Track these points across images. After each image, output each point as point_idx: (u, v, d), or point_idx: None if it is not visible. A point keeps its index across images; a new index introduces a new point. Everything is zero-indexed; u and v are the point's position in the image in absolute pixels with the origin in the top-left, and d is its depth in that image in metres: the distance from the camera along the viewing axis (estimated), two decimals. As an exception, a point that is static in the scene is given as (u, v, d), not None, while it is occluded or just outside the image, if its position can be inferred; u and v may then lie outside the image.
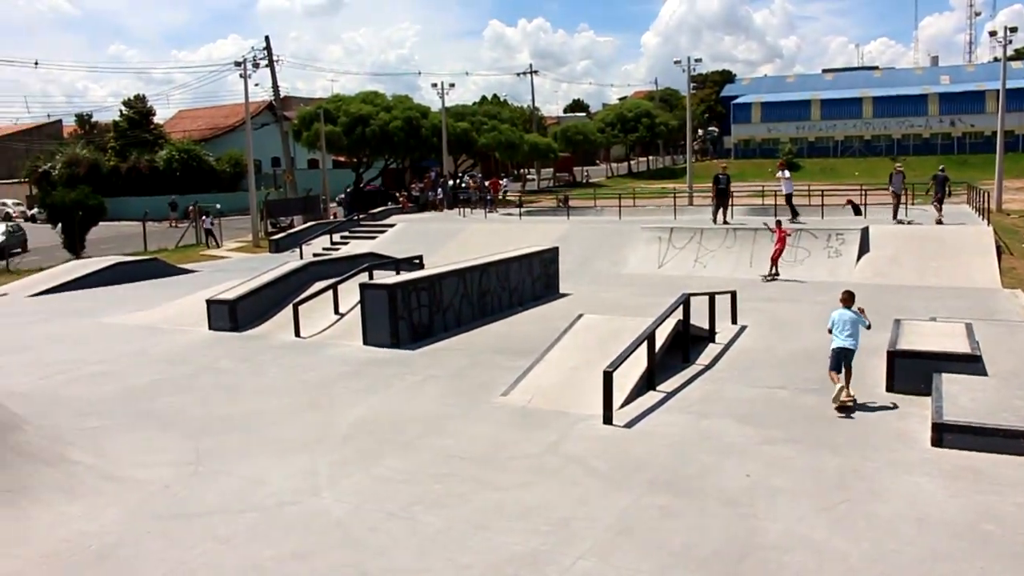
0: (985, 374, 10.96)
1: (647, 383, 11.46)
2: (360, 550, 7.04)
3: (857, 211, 29.90)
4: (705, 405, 10.92)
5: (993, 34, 43.23)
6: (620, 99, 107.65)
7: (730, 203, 28.21)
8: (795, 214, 27.47)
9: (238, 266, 29.59)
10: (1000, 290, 19.88)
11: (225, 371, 13.68)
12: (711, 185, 28.81)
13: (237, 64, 41.38)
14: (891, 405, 10.67)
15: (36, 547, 7.09)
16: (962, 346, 11.56)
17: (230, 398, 11.98)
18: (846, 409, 10.47)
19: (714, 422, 10.23)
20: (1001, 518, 7.38)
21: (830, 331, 10.90)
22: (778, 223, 22.48)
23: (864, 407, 10.59)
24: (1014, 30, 39.29)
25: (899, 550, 6.83)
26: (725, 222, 26.85)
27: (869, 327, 10.95)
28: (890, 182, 27.29)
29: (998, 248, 23.16)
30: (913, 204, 29.92)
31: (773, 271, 22.03)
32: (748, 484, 8.27)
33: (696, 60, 50.31)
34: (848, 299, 10.98)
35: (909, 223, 25.07)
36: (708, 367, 12.84)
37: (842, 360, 10.64)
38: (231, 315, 16.86)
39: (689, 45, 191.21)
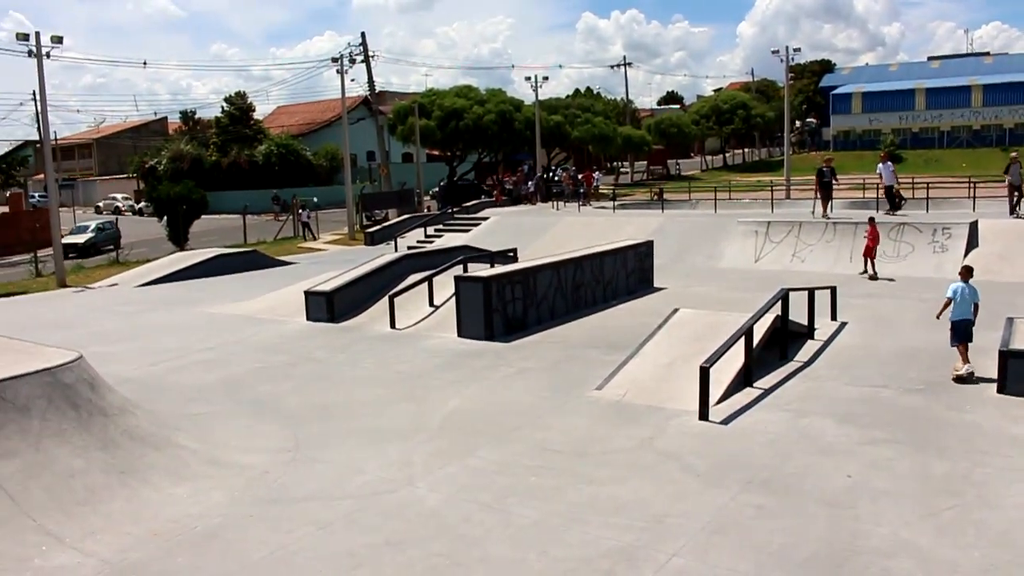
0: (1106, 377, 10.42)
1: (744, 379, 11.25)
2: (454, 540, 7.09)
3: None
4: (803, 403, 10.66)
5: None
6: (715, 91, 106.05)
7: (831, 197, 27.44)
8: (894, 207, 26.57)
9: (334, 258, 30.18)
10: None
11: (322, 361, 13.96)
12: (815, 178, 28.04)
13: (334, 60, 42.16)
14: (1003, 408, 10.24)
15: (146, 525, 7.36)
16: (1079, 346, 11.01)
17: (327, 387, 12.22)
18: (967, 381, 11.14)
19: (813, 421, 9.98)
20: (1125, 530, 7.02)
21: (949, 303, 11.56)
22: (871, 220, 21.73)
23: (973, 409, 10.20)
24: None
25: (1014, 561, 6.53)
26: (825, 216, 26.13)
27: (977, 310, 11.52)
28: (1007, 172, 25.97)
29: (1118, 244, 22.00)
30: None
31: (870, 269, 21.34)
32: (849, 485, 8.04)
33: (795, 50, 49.13)
34: (967, 273, 11.78)
35: None
36: (807, 364, 12.53)
37: (964, 332, 11.33)
38: (328, 306, 17.19)
39: (787, 34, 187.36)
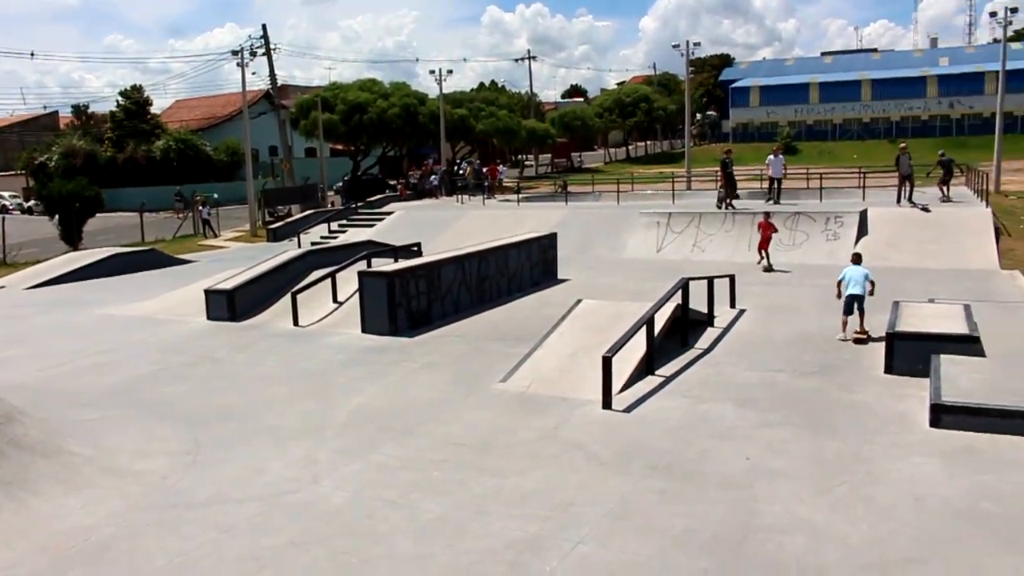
0: (983, 355, 10.95)
1: (646, 368, 11.46)
2: (360, 537, 7.05)
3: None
4: (704, 389, 10.92)
5: (994, 15, 43.08)
6: (618, 84, 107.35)
7: (736, 186, 28.15)
8: (772, 198, 27.49)
9: (236, 256, 29.56)
10: (998, 271, 19.86)
11: (223, 361, 13.68)
12: (719, 170, 28.70)
13: (234, 53, 41.21)
14: (890, 388, 10.68)
15: (35, 539, 7.08)
16: (960, 327, 11.56)
17: (229, 387, 11.98)
18: (862, 342, 12.79)
19: (713, 406, 10.23)
20: (999, 498, 7.40)
21: (839, 283, 13.41)
22: (766, 215, 22.06)
23: (863, 390, 10.61)
24: (1014, 11, 39.09)
25: (897, 531, 6.84)
26: (729, 206, 26.74)
27: (873, 287, 13.18)
28: (897, 164, 27.02)
29: (996, 230, 23.15)
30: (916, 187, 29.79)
31: (765, 260, 21.58)
32: (747, 467, 8.28)
33: (694, 44, 50.25)
34: (857, 259, 13.97)
35: (924, 207, 24.77)
36: (707, 351, 12.84)
37: (854, 304, 12.97)
38: (229, 304, 16.84)
39: (688, 29, 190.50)
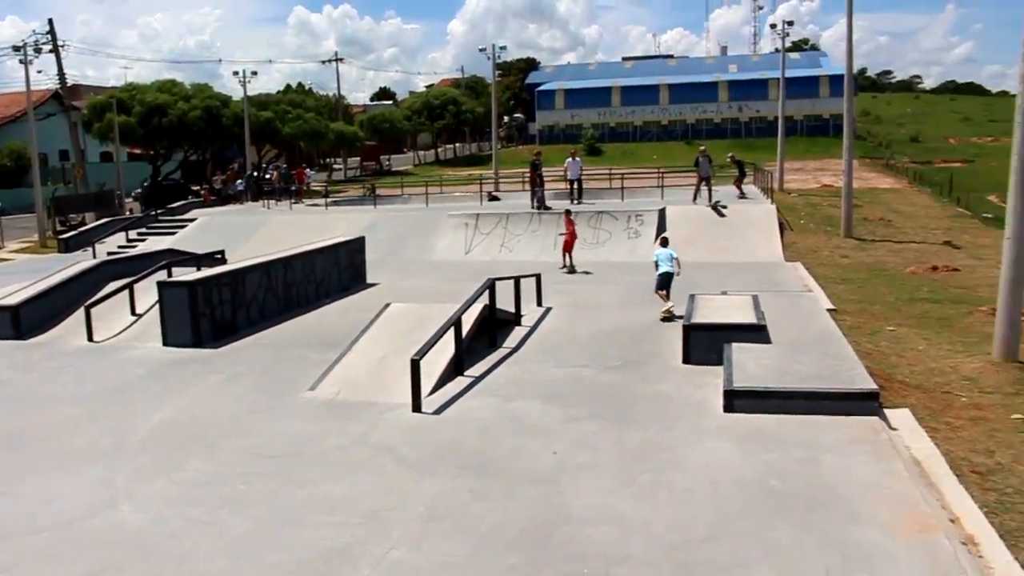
0: (769, 342, 11.70)
1: (455, 369, 11.53)
2: (162, 560, 6.71)
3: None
4: (512, 388, 11.09)
5: (774, 27, 46.28)
6: (427, 87, 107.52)
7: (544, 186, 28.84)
8: (576, 195, 28.56)
9: (23, 268, 27.51)
10: (783, 263, 21.31)
11: (8, 382, 12.71)
12: (530, 170, 29.28)
13: (16, 49, 38.34)
14: (688, 377, 11.21)
15: None
16: (749, 317, 12.31)
17: (15, 411, 11.11)
18: (669, 319, 14.06)
19: (521, 404, 10.40)
20: (784, 474, 7.92)
21: (656, 264, 14.99)
22: (567, 212, 22.32)
23: (663, 381, 11.09)
24: (791, 23, 42.20)
25: (696, 514, 7.19)
26: (539, 207, 27.31)
27: (679, 264, 14.98)
28: (697, 165, 28.42)
29: (781, 225, 24.83)
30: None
31: (568, 262, 21.62)
32: (554, 462, 8.47)
33: (501, 48, 50.97)
34: (664, 242, 15.80)
35: (720, 208, 26.05)
36: (514, 350, 13.05)
37: (667, 282, 14.59)
38: (14, 321, 15.67)
39: (495, 33, 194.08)
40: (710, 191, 27.50)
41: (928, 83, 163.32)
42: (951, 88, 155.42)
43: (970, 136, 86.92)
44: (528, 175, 29.43)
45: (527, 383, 11.30)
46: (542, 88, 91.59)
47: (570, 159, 29.39)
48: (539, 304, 16.00)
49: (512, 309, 14.52)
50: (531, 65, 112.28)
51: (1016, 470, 8.67)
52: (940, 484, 8.09)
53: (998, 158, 37.67)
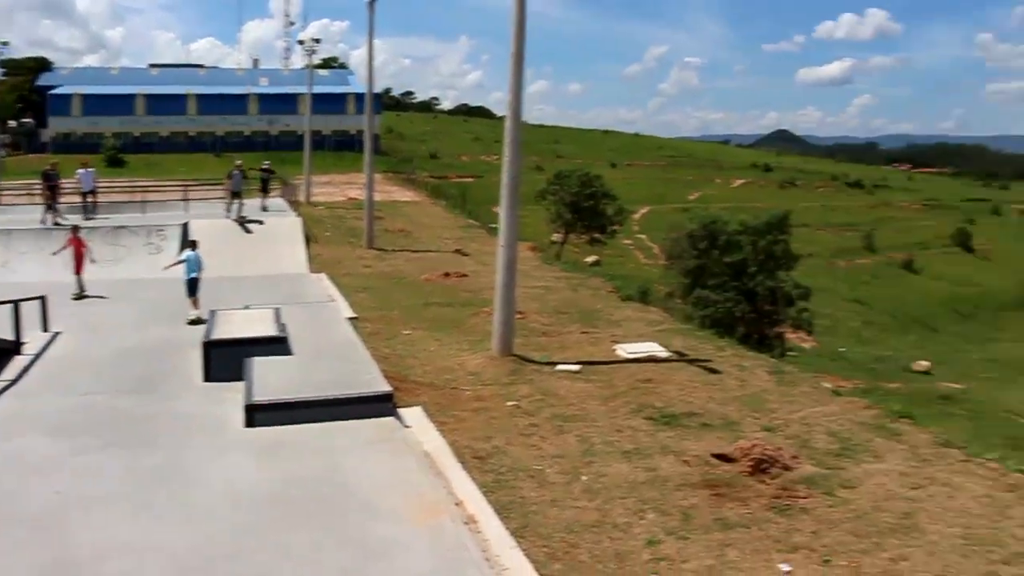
0: (291, 353, 11.91)
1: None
2: None
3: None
4: (10, 424, 10.06)
5: (302, 43, 47.03)
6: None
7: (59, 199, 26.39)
8: (89, 210, 26.78)
9: None
10: (308, 275, 21.75)
11: None
12: (42, 181, 26.55)
13: None
14: (209, 393, 11.03)
15: None
16: (270, 330, 12.44)
17: None
18: (198, 323, 14.32)
19: (23, 441, 9.50)
20: (305, 482, 8.20)
21: (181, 263, 15.88)
22: (73, 228, 20.12)
23: (182, 399, 10.80)
24: (318, 41, 43.34)
25: (217, 531, 7.17)
26: (53, 222, 24.87)
27: (201, 269, 15.81)
28: (229, 178, 27.68)
29: (307, 237, 25.29)
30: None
31: (78, 287, 19.17)
32: (59, 501, 7.86)
33: (3, 43, 45.83)
34: (193, 245, 16.41)
35: (247, 223, 25.61)
36: (14, 382, 11.79)
37: (195, 288, 15.31)
38: None
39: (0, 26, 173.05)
40: (240, 206, 27.17)
41: (445, 104, 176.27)
42: (464, 110, 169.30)
43: (480, 154, 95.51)
44: (41, 187, 26.78)
45: (30, 417, 10.32)
46: (56, 92, 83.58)
47: (82, 169, 27.25)
48: (45, 329, 14.60)
49: (12, 337, 13.12)
50: (43, 65, 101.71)
51: (509, 451, 9.78)
52: (447, 472, 8.86)
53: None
